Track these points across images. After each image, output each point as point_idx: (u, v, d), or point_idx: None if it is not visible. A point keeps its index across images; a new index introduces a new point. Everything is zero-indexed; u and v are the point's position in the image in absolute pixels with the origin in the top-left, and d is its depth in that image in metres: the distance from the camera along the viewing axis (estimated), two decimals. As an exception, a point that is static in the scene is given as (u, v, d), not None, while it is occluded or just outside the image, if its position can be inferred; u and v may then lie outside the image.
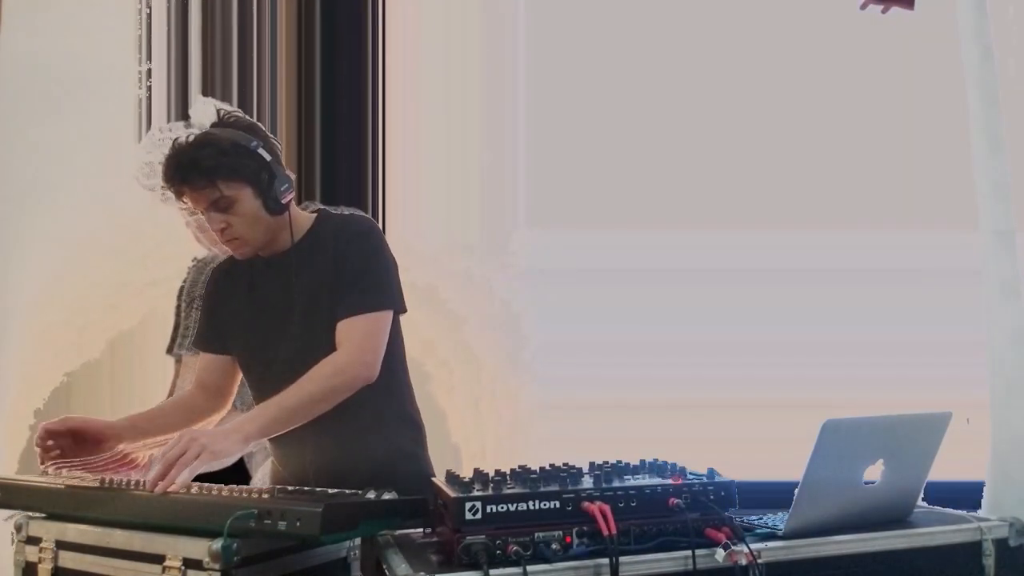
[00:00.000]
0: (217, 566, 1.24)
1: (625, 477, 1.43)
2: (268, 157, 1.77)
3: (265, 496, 1.42)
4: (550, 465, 1.47)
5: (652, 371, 3.01)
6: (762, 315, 2.97)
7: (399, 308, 1.84)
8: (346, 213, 1.94)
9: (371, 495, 1.46)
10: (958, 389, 2.18)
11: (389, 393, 1.87)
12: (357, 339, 1.74)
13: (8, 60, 2.56)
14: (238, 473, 2.10)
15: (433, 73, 3.15)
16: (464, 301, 3.17)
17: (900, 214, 2.73)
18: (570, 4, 3.15)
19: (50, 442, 1.70)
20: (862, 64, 2.72)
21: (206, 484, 1.49)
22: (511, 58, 3.20)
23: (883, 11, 2.14)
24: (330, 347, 1.74)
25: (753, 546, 1.35)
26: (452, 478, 1.41)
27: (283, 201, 1.78)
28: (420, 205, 3.06)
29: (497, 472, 1.43)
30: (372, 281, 1.78)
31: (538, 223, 3.23)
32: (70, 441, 1.73)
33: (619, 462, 1.50)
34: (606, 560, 1.28)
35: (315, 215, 1.92)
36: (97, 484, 1.53)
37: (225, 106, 1.84)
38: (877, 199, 2.80)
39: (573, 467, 1.46)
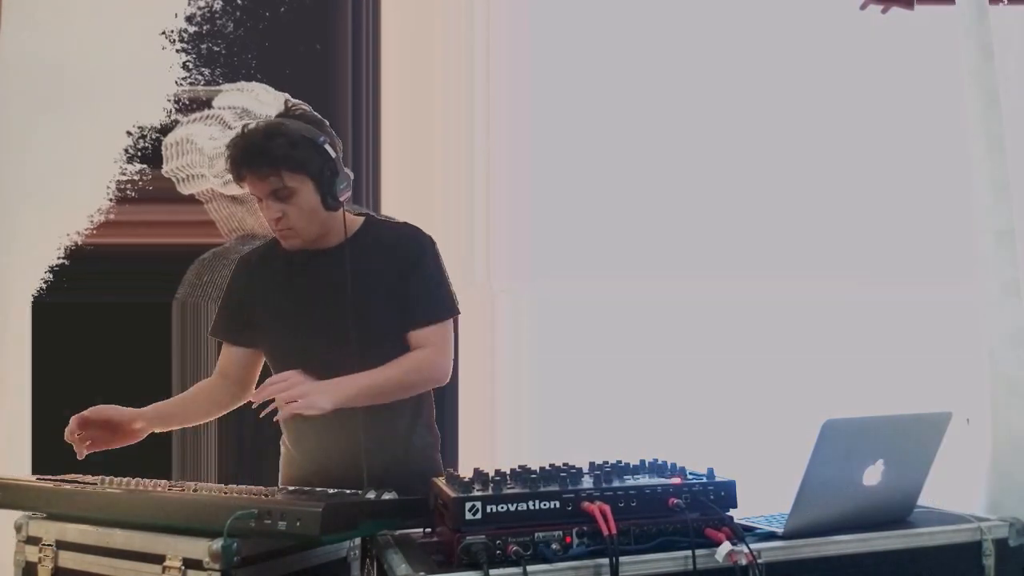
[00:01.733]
0: (217, 566, 1.24)
1: (625, 477, 1.43)
2: (333, 154, 1.80)
3: (265, 496, 1.42)
4: (550, 465, 1.47)
5: (652, 370, 3.01)
6: (762, 315, 2.97)
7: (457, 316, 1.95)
8: (398, 222, 1.99)
9: (371, 495, 1.46)
10: (957, 389, 2.18)
11: (421, 401, 1.93)
12: (440, 343, 1.84)
13: (8, 60, 2.56)
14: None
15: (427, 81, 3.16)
16: (464, 301, 3.17)
17: (899, 214, 2.73)
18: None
19: (79, 433, 1.70)
20: (865, 74, 2.71)
21: (206, 484, 1.49)
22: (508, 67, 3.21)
23: (883, 11, 2.14)
24: (373, 345, 1.77)
25: (753, 546, 1.35)
26: (452, 478, 1.41)
27: (341, 198, 1.82)
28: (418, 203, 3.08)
29: (497, 472, 1.43)
30: (444, 292, 1.89)
31: (541, 226, 3.23)
32: (100, 431, 1.74)
33: (619, 462, 1.50)
34: (606, 560, 1.28)
35: (363, 217, 1.95)
36: (97, 484, 1.54)
37: (290, 98, 1.88)
38: (877, 200, 2.80)
39: (573, 467, 1.46)
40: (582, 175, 3.16)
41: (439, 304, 1.88)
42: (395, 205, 3.10)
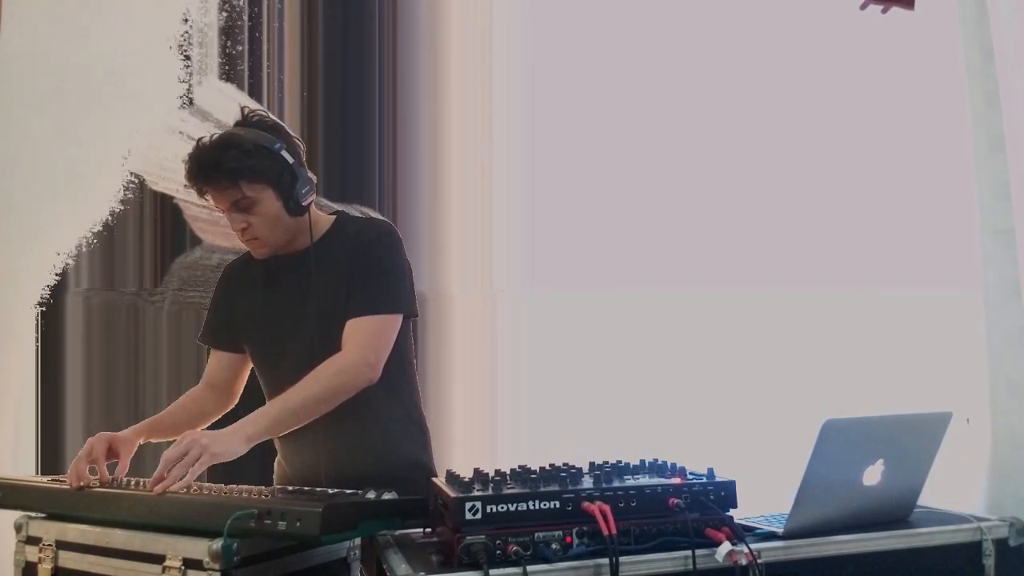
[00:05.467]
0: (217, 566, 1.24)
1: (625, 477, 1.43)
2: (291, 159, 1.77)
3: (265, 496, 1.42)
4: (550, 465, 1.48)
5: (653, 370, 3.01)
6: (762, 314, 2.97)
7: (409, 312, 1.84)
8: (365, 216, 1.94)
9: (371, 495, 1.46)
10: (957, 389, 2.18)
11: (396, 397, 1.88)
12: (362, 339, 1.74)
13: (8, 60, 2.56)
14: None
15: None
16: (465, 302, 3.16)
17: (899, 214, 2.73)
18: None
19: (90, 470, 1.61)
20: (864, 74, 2.71)
21: (206, 484, 1.49)
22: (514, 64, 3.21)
23: (883, 11, 2.14)
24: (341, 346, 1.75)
25: (753, 546, 1.35)
26: (452, 478, 1.41)
27: (304, 203, 1.79)
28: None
29: (497, 472, 1.43)
30: (384, 284, 1.79)
31: (542, 226, 3.23)
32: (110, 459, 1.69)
33: (619, 462, 1.50)
34: (606, 560, 1.28)
35: (334, 217, 1.92)
36: (97, 484, 1.54)
37: (250, 103, 1.84)
38: (877, 200, 2.80)
39: (573, 467, 1.46)
40: (583, 176, 3.16)
41: (377, 296, 1.77)
42: (399, 205, 3.10)
